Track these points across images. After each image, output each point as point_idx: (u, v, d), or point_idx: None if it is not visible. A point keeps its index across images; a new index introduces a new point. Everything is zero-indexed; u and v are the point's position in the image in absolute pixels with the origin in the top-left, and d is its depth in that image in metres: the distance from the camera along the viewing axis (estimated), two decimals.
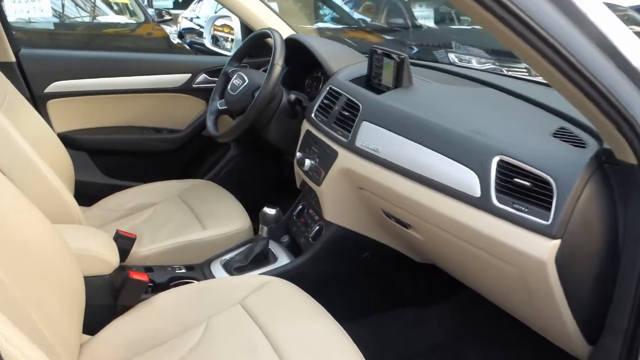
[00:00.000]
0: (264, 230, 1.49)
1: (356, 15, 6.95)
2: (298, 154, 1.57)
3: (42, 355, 0.59)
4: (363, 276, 1.54)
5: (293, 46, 1.79)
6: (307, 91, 1.97)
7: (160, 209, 1.76)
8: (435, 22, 6.37)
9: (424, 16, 6.36)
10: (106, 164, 2.04)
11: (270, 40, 1.70)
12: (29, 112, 1.64)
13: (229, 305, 1.19)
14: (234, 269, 1.47)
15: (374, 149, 1.25)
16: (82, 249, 1.21)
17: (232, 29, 2.49)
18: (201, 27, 6.62)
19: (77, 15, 6.02)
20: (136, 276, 1.24)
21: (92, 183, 2.00)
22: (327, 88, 1.58)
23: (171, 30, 7.54)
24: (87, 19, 5.99)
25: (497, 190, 0.98)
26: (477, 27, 6.65)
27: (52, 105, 1.92)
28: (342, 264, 1.50)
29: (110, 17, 5.97)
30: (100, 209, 1.80)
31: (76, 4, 5.99)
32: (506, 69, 5.30)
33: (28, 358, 0.55)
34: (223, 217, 1.66)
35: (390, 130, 1.23)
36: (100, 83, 1.96)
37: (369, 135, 1.29)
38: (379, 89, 1.45)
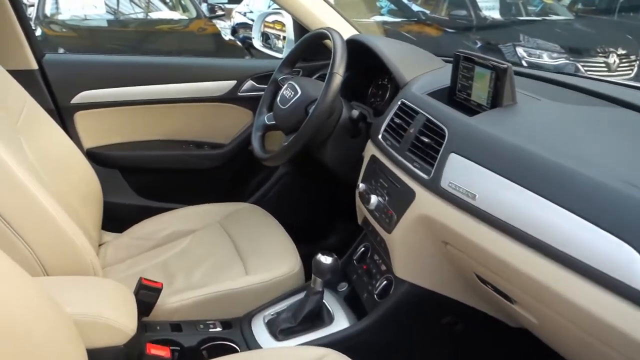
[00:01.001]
0: (317, 283, 1.19)
1: (415, 8, 6.63)
2: (361, 186, 1.26)
3: None
4: (441, 345, 1.22)
5: (355, 48, 1.48)
6: (371, 102, 1.66)
7: (199, 238, 1.52)
8: (501, 13, 6.00)
9: (489, 7, 6.00)
10: (140, 183, 1.81)
11: (328, 42, 1.40)
12: (49, 127, 1.42)
13: None
14: (280, 330, 1.19)
15: (467, 194, 0.93)
16: (89, 315, 0.95)
17: (284, 25, 2.21)
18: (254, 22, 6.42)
19: (131, 11, 5.96)
20: (155, 351, 0.98)
21: (125, 205, 1.77)
22: (399, 103, 1.26)
23: (225, 26, 7.43)
24: (140, 16, 5.91)
25: None
26: (547, 18, 6.14)
27: (80, 118, 1.69)
28: (416, 331, 1.18)
29: (162, 14, 5.87)
30: (130, 237, 1.57)
31: (131, 0, 5.93)
32: (582, 64, 4.80)
33: None
34: (269, 255, 1.39)
35: (493, 170, 0.90)
36: (133, 92, 1.72)
37: (461, 173, 0.96)
38: (467, 107, 1.12)
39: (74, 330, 0.85)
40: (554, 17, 6.23)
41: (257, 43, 2.12)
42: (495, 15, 6.07)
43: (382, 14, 6.73)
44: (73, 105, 1.67)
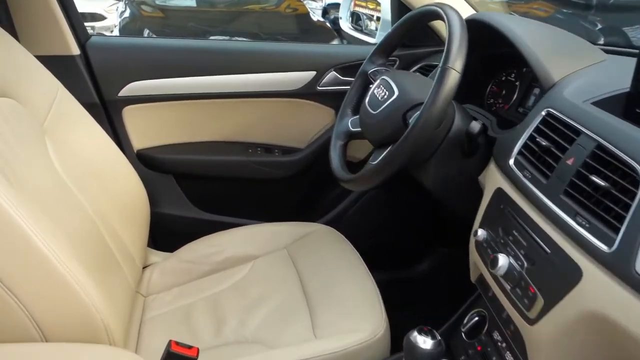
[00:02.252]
0: None
1: None
2: (479, 233, 0.87)
3: None
4: None
5: (475, 32, 1.08)
6: (489, 103, 1.25)
7: (259, 269, 1.25)
8: None
9: None
10: (197, 192, 1.53)
11: (438, 24, 1.01)
12: (85, 126, 1.16)
13: None
14: None
15: None
16: None
17: (378, 3, 1.83)
18: None
19: None
20: None
21: (178, 217, 1.51)
22: (543, 113, 0.86)
23: (317, 6, 7.11)
24: None
25: None
26: None
27: (128, 114, 1.43)
28: None
29: None
30: (180, 260, 1.32)
31: None
32: None
33: None
34: (345, 307, 1.07)
35: None
36: (193, 84, 1.43)
37: None
38: None
39: None
40: None
41: (345, 24, 1.77)
42: None
43: None
44: (121, 99, 1.40)
